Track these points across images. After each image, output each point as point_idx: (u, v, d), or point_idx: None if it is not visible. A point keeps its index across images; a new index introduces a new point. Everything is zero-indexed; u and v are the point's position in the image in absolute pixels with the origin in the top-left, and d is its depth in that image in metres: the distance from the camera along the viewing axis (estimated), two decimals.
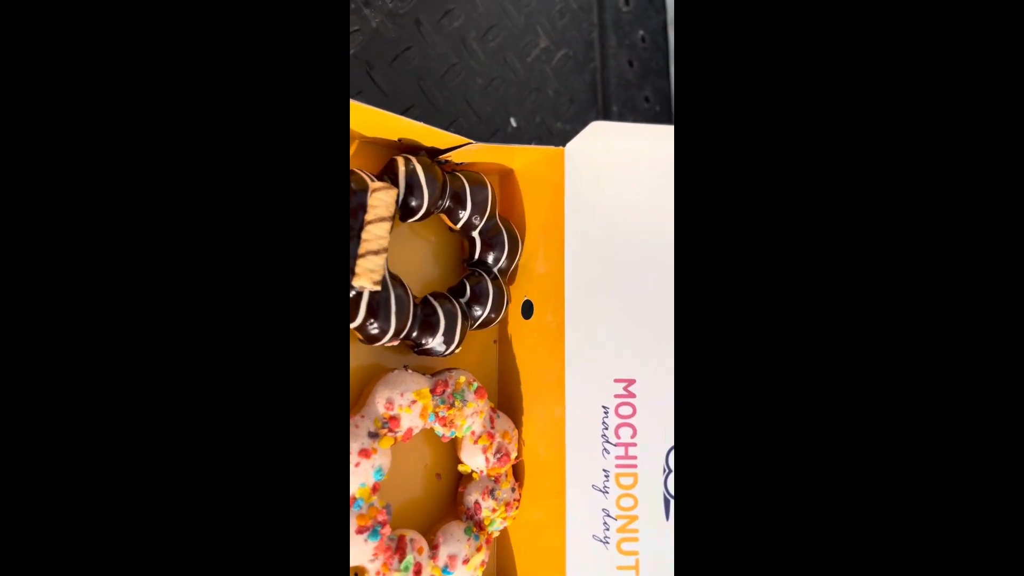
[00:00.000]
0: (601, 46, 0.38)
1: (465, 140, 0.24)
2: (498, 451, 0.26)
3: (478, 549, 0.25)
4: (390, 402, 0.23)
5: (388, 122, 0.23)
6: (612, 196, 0.26)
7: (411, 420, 0.23)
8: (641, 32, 0.42)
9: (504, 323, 0.29)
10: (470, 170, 0.27)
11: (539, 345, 0.27)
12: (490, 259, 0.27)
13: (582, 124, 0.37)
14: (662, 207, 0.26)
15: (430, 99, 0.30)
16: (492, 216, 0.27)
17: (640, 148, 0.26)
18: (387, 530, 0.22)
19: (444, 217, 0.26)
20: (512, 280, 0.29)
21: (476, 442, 0.25)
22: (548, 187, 0.27)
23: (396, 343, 0.24)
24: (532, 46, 0.34)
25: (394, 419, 0.23)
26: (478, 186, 0.26)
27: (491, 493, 0.26)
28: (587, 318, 0.26)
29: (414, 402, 0.23)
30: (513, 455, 0.26)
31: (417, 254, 0.28)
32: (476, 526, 0.25)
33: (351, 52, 0.27)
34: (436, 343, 0.25)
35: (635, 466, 0.25)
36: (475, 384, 0.25)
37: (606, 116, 0.39)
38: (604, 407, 0.25)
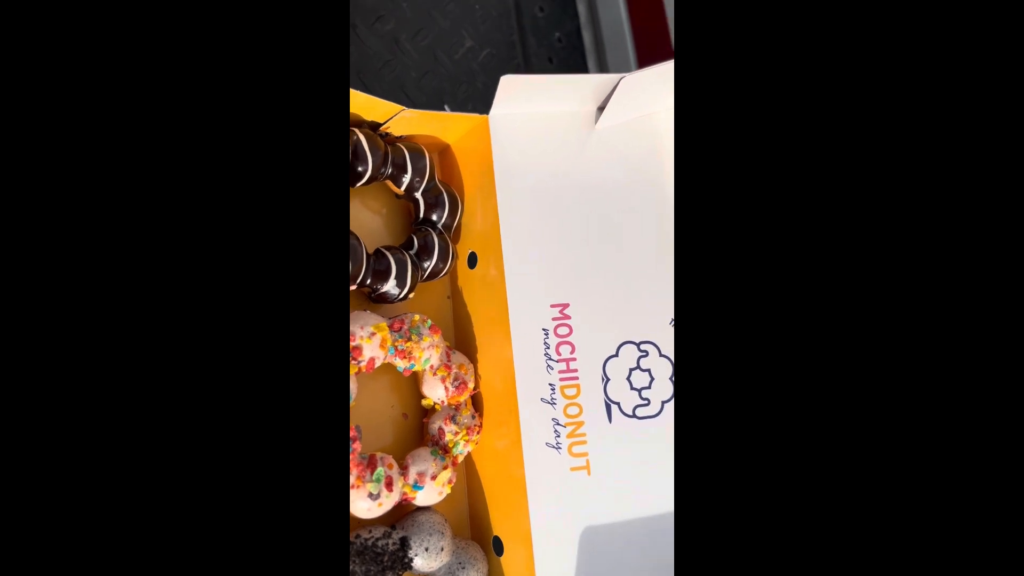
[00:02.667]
0: (522, 46, 0.44)
1: (399, 107, 0.28)
2: (456, 379, 0.29)
3: (444, 467, 0.27)
4: (351, 334, 0.26)
5: None
6: (534, 156, 0.30)
7: (372, 350, 0.26)
8: (557, 34, 0.48)
9: (454, 278, 0.33)
10: (410, 138, 0.31)
11: (485, 292, 0.31)
12: (434, 217, 0.31)
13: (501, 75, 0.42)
14: (580, 160, 0.30)
15: (369, 90, 0.34)
16: (432, 179, 0.31)
17: (555, 110, 0.30)
18: (358, 446, 0.25)
19: (389, 183, 0.30)
20: (456, 238, 0.32)
21: (435, 374, 0.28)
22: (478, 154, 0.31)
23: (353, 287, 0.27)
24: (459, 46, 0.39)
25: (356, 349, 0.26)
26: (417, 153, 0.30)
27: (452, 419, 0.28)
28: (522, 261, 0.29)
29: (373, 334, 0.26)
30: (471, 385, 0.29)
31: (369, 223, 0.31)
32: (441, 449, 0.28)
33: None
34: (390, 287, 0.28)
35: (576, 378, 0.28)
36: (429, 322, 0.29)
37: (527, 65, 0.44)
38: (544, 329, 0.28)
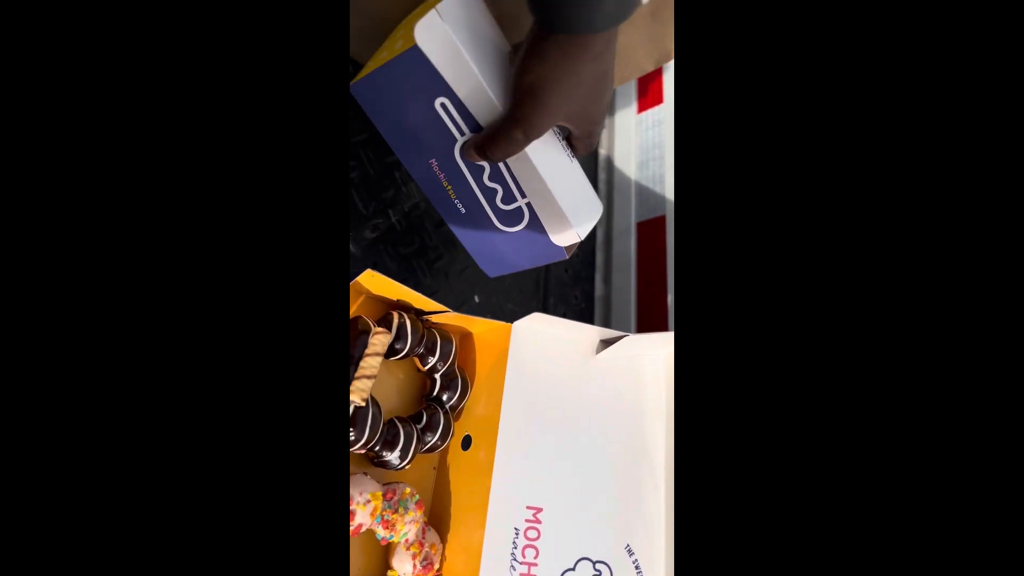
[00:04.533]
0: (544, 293, 0.52)
1: (443, 308, 0.34)
2: (425, 559, 0.31)
3: None
4: (350, 498, 0.28)
5: (390, 287, 0.33)
6: (542, 366, 0.36)
7: (363, 517, 0.28)
8: (576, 292, 0.57)
9: (444, 453, 0.36)
10: (443, 327, 0.36)
11: (471, 475, 0.34)
12: (444, 397, 0.35)
13: (526, 308, 0.49)
14: (578, 380, 0.36)
15: (419, 275, 0.40)
16: (452, 364, 0.36)
17: (566, 336, 0.36)
18: None
19: (416, 360, 0.35)
20: (457, 417, 0.36)
21: (408, 548, 0.30)
22: (496, 352, 0.36)
23: (362, 451, 0.30)
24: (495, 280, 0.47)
25: (351, 513, 0.28)
26: (446, 341, 0.35)
27: None
28: (512, 456, 0.33)
29: (369, 501, 0.29)
30: (436, 566, 0.31)
31: (389, 388, 0.35)
32: None
33: (374, 236, 0.38)
34: (393, 457, 0.31)
35: None
36: (416, 497, 0.31)
37: (544, 306, 0.51)
38: (516, 528, 0.31)
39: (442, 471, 0.36)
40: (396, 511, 0.30)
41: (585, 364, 0.37)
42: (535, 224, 0.33)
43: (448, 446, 0.36)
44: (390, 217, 0.39)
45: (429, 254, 0.41)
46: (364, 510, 0.28)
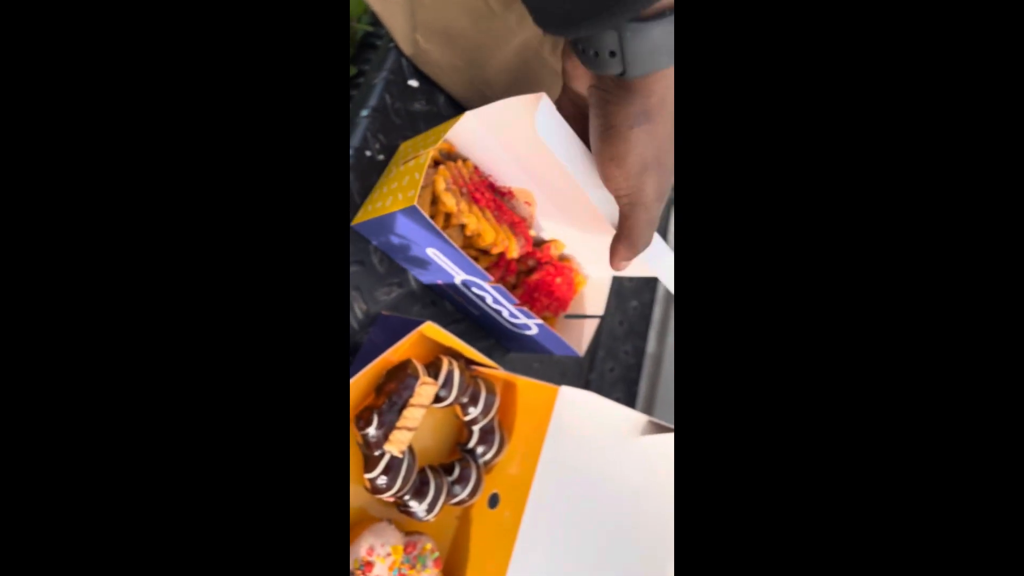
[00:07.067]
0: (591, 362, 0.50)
1: (493, 364, 0.33)
2: None
3: None
4: (371, 548, 0.28)
5: (446, 338, 0.32)
6: (584, 437, 0.34)
7: (381, 569, 0.28)
8: (634, 302, 0.55)
9: (470, 506, 0.35)
10: (488, 376, 0.35)
11: (494, 534, 0.33)
12: (480, 450, 0.34)
13: (573, 359, 0.47)
14: (619, 459, 0.34)
15: (473, 323, 0.40)
16: (492, 419, 0.35)
17: (613, 412, 0.35)
18: None
19: (458, 408, 0.34)
20: (488, 471, 0.36)
21: None
22: (539, 411, 0.35)
23: (391, 500, 0.30)
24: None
25: (369, 564, 0.28)
26: (490, 393, 0.34)
27: None
28: (539, 523, 0.32)
29: (389, 554, 0.28)
30: None
31: (425, 425, 0.35)
32: None
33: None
34: (420, 509, 0.30)
35: None
36: (436, 554, 0.31)
37: (592, 359, 0.50)
38: None
39: (464, 524, 0.35)
40: (414, 567, 0.29)
41: (629, 444, 0.35)
42: (545, 331, 0.36)
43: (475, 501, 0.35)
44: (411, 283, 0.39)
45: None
46: (383, 563, 0.28)
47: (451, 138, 0.34)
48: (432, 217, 0.32)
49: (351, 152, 0.34)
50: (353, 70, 0.45)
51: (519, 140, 0.31)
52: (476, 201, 0.34)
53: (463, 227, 0.34)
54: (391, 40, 0.37)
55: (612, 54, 0.22)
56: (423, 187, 0.31)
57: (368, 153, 0.35)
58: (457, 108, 0.40)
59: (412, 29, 0.35)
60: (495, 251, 0.35)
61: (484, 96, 0.38)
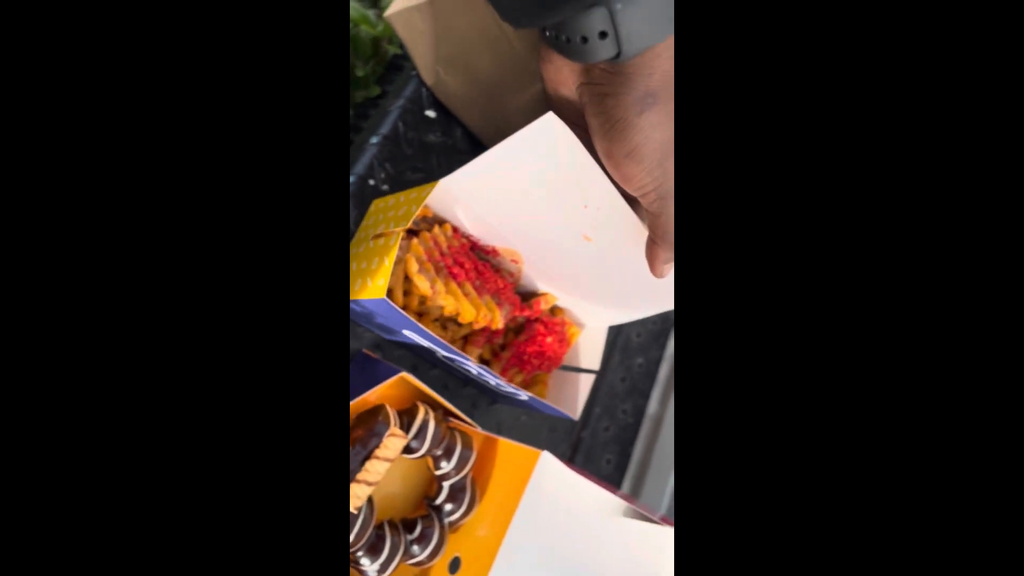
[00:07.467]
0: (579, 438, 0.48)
1: (471, 422, 0.31)
2: None
3: None
4: None
5: (421, 387, 0.30)
6: (562, 507, 0.32)
7: None
8: (640, 359, 0.52)
9: (428, 567, 0.33)
10: (466, 431, 0.33)
11: None
12: (448, 508, 0.32)
13: (566, 428, 0.45)
14: (597, 536, 0.32)
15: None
16: (465, 476, 0.32)
17: (592, 496, 0.32)
18: None
19: (430, 460, 0.32)
20: (455, 531, 0.33)
21: None
22: (517, 474, 0.33)
23: None
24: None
25: None
26: (467, 448, 0.32)
27: None
28: None
29: None
30: None
31: (395, 473, 0.33)
32: None
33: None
34: (371, 568, 0.28)
35: None
36: None
37: (587, 416, 0.47)
38: None
39: None
40: None
41: (608, 522, 0.32)
42: (536, 400, 0.34)
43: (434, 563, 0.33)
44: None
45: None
46: None
47: (428, 203, 0.32)
48: (407, 294, 0.30)
49: (353, 180, 0.33)
50: (377, 90, 0.44)
51: (502, 199, 0.29)
52: (454, 277, 0.32)
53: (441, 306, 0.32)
54: (414, 68, 0.36)
55: (603, 35, 0.19)
56: (396, 262, 0.29)
57: (372, 182, 0.34)
58: (473, 142, 0.38)
59: (435, 60, 0.34)
60: (477, 327, 0.33)
61: (501, 132, 0.37)
